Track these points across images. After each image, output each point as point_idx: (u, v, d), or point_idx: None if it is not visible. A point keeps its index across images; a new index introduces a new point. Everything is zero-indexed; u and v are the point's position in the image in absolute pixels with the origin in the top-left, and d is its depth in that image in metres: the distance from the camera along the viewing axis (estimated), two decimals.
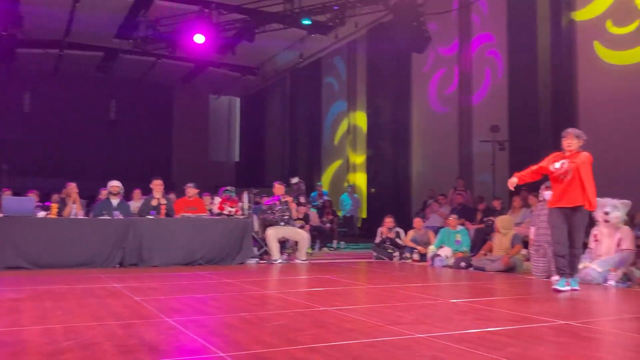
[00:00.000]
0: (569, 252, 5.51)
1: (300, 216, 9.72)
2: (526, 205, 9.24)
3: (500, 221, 7.78)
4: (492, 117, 12.43)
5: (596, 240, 6.45)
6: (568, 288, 5.39)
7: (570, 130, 5.61)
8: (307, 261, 8.87)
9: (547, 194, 6.83)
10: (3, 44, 15.04)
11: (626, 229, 6.40)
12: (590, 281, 6.06)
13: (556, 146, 11.02)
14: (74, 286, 5.60)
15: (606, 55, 10.62)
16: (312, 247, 11.17)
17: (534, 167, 5.72)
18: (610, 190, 6.73)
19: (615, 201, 6.38)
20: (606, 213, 6.26)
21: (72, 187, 8.44)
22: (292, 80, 20.57)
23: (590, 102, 10.80)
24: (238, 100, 24.43)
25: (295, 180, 9.43)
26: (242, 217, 8.82)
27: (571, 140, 5.48)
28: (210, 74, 20.21)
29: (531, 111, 11.30)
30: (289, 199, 9.10)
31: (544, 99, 11.19)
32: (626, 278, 6.08)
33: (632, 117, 10.04)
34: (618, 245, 6.30)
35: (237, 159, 24.42)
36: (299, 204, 10.81)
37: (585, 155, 5.45)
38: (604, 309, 4.92)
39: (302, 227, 9.60)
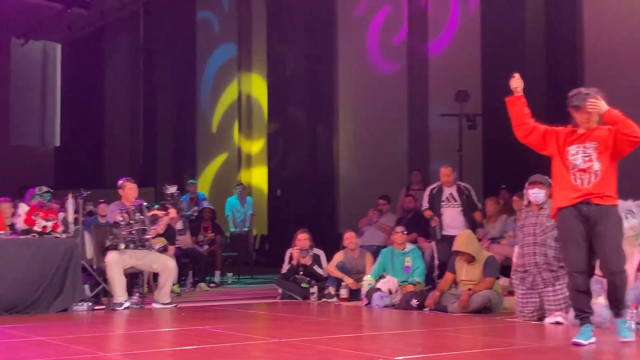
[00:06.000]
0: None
1: (161, 230, 9.54)
2: (508, 211, 9.61)
3: (465, 243, 7.94)
4: (458, 78, 12.83)
5: None
6: (593, 340, 5.51)
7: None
8: (172, 305, 8.81)
9: (532, 194, 7.14)
10: None
11: None
12: (601, 323, 6.37)
13: (551, 120, 11.63)
14: None
15: None
16: (182, 282, 11.07)
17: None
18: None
19: (630, 203, 6.72)
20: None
21: None
22: (147, 16, 20.24)
23: (601, 55, 11.38)
24: (59, 47, 23.81)
25: (172, 191, 9.38)
26: (64, 235, 8.62)
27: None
28: (13, 5, 19.51)
29: (515, 67, 11.69)
30: (158, 212, 9.03)
31: (533, 51, 11.68)
32: None
33: None
34: (639, 270, 6.65)
35: (57, 143, 23.78)
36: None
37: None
38: None
39: (163, 251, 9.46)
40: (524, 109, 5.91)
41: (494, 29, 12.25)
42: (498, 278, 7.97)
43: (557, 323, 6.76)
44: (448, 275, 8.03)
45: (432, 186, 9.31)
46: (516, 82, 5.95)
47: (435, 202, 9.06)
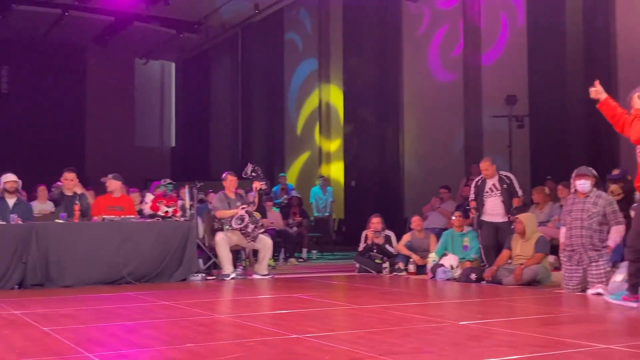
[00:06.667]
0: None
1: (255, 206, 9.43)
2: (553, 198, 9.40)
3: (526, 220, 7.78)
4: (507, 84, 12.60)
5: None
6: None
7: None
8: (269, 276, 8.88)
9: (579, 185, 6.96)
10: None
11: None
12: None
13: (590, 120, 11.35)
14: None
15: None
16: (276, 257, 11.14)
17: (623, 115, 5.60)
18: None
19: None
20: None
21: None
22: (244, 38, 20.48)
23: (632, 61, 10.99)
24: (173, 65, 24.26)
25: (249, 170, 9.26)
26: (182, 219, 8.77)
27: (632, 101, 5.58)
28: (136, 31, 19.93)
29: (558, 74, 11.46)
30: (256, 185, 9.05)
31: (573, 59, 11.35)
32: None
33: None
34: None
35: (172, 144, 24.24)
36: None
37: None
38: None
39: (260, 227, 9.46)
40: (612, 108, 5.64)
41: (539, 41, 11.98)
42: (546, 255, 7.79)
43: (598, 294, 6.58)
44: (505, 252, 7.88)
45: (477, 178, 8.98)
46: (596, 91, 5.67)
47: (480, 193, 8.80)
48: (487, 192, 8.62)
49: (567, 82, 11.36)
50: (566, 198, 7.55)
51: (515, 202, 8.47)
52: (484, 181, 8.71)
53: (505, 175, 8.69)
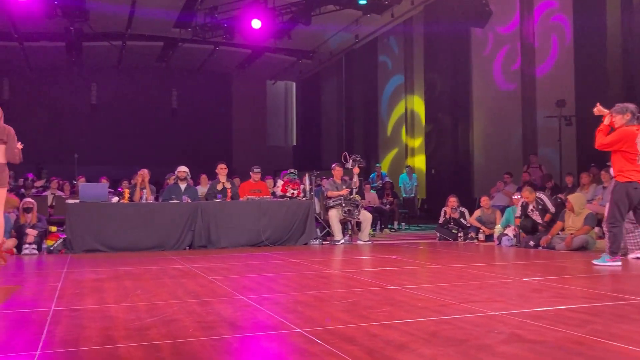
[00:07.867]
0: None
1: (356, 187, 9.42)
2: (596, 181, 8.89)
3: (574, 199, 7.45)
4: (557, 90, 11.98)
5: None
6: None
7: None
8: (369, 242, 8.89)
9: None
10: (71, 37, 15.72)
11: None
12: None
13: None
14: (149, 267, 5.85)
15: None
16: (373, 228, 11.13)
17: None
18: None
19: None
20: None
21: (145, 173, 8.76)
22: (347, 61, 20.47)
23: None
24: (294, 84, 24.57)
25: (349, 165, 9.19)
26: (304, 199, 8.91)
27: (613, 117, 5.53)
28: (267, 60, 20.34)
29: (599, 82, 10.80)
30: (356, 170, 9.05)
31: (613, 70, 10.66)
32: None
33: None
34: None
35: (294, 143, 24.63)
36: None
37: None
38: None
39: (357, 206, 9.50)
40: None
41: (583, 56, 11.30)
42: (593, 228, 7.38)
43: (637, 258, 6.19)
44: (558, 224, 7.54)
45: (522, 201, 8.48)
46: (598, 109, 5.80)
47: (524, 211, 8.32)
48: (530, 210, 8.22)
49: (607, 88, 10.67)
50: (609, 181, 7.15)
51: (547, 217, 8.06)
52: (527, 203, 8.30)
53: (539, 198, 8.26)
